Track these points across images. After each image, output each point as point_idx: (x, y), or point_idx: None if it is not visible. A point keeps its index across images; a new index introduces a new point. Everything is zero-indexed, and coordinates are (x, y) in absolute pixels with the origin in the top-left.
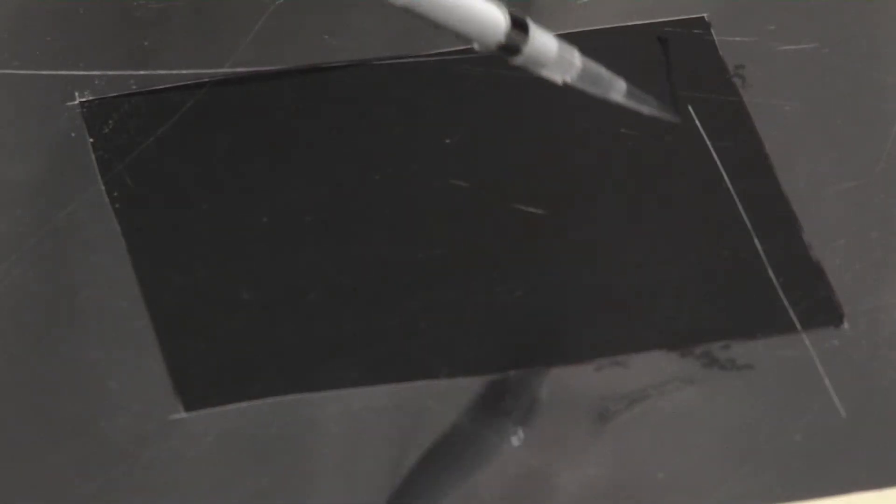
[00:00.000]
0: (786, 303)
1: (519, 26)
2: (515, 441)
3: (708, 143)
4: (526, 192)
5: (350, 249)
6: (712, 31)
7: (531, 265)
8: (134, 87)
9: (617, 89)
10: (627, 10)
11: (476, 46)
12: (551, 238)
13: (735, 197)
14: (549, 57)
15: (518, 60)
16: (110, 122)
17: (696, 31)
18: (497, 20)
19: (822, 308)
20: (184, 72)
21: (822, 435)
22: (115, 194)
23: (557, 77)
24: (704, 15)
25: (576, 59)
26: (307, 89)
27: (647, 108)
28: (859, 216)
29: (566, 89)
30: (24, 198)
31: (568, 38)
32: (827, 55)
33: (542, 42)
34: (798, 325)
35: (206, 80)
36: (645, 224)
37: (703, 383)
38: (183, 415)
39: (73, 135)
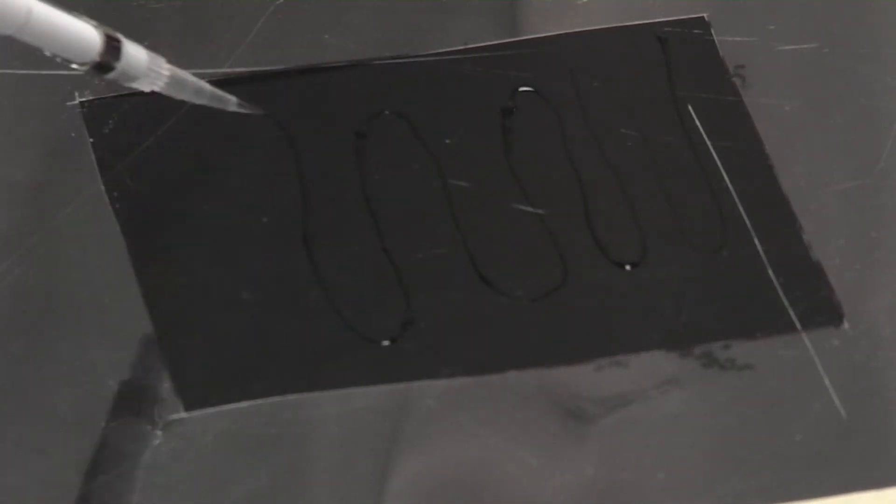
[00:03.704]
0: (786, 303)
1: (112, 43)
2: (156, 440)
3: (708, 143)
4: (526, 192)
5: (350, 249)
6: (712, 31)
7: (531, 265)
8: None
9: (202, 91)
10: (627, 10)
11: (74, 65)
12: (551, 238)
13: (735, 197)
14: (139, 70)
15: (111, 76)
16: (110, 122)
17: (696, 31)
18: (91, 39)
19: (822, 308)
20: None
21: (822, 435)
22: (115, 194)
23: (146, 87)
24: (704, 15)
25: (163, 68)
26: (307, 89)
27: (231, 106)
28: (859, 216)
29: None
30: (24, 198)
31: (568, 38)
32: (827, 55)
33: (134, 56)
34: (798, 325)
35: (206, 79)
36: (645, 224)
37: (703, 383)
38: (183, 415)
39: (73, 135)
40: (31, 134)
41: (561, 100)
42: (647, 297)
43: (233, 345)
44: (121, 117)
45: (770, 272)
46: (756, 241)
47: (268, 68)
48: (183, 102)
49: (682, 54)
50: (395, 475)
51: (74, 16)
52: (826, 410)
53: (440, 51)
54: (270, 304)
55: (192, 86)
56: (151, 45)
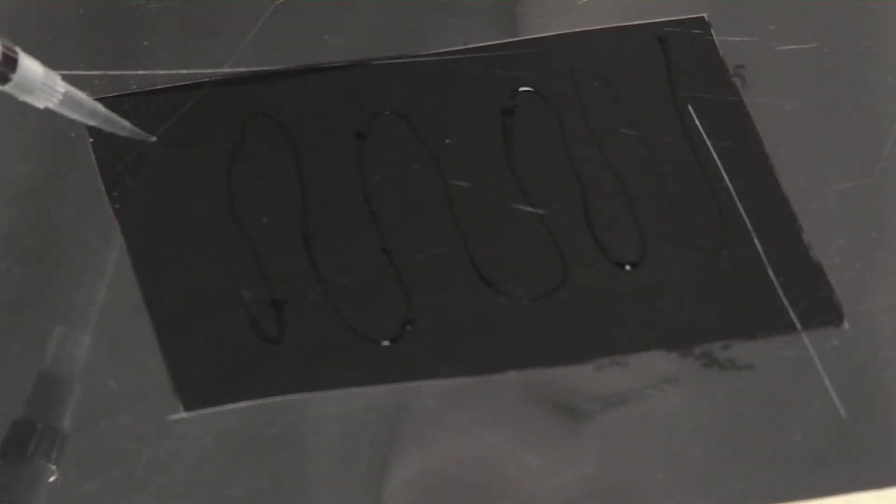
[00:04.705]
0: (786, 303)
1: (8, 54)
2: (51, 477)
3: (708, 143)
4: (526, 192)
5: (350, 249)
6: (712, 31)
7: (531, 265)
8: (134, 87)
9: (96, 113)
10: (627, 10)
11: None
12: (551, 238)
13: (735, 197)
14: (34, 84)
15: (5, 88)
16: None
17: (696, 31)
18: None
19: (822, 308)
20: (184, 72)
21: (822, 435)
22: (115, 194)
23: (40, 103)
24: (704, 15)
25: (58, 85)
26: (307, 89)
27: (122, 130)
28: (859, 216)
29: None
30: (24, 198)
31: (568, 38)
32: (827, 55)
33: (30, 69)
34: (798, 325)
35: (206, 80)
36: (645, 224)
37: (702, 383)
38: (183, 415)
39: (73, 135)
40: (31, 134)
41: (561, 100)
42: (647, 297)
43: (233, 345)
44: (121, 117)
45: (770, 272)
46: (756, 241)
47: (268, 68)
48: (183, 103)
49: (682, 54)
50: (395, 475)
51: None
52: (826, 410)
53: (440, 51)
54: (270, 304)
55: (87, 106)
56: (151, 45)
